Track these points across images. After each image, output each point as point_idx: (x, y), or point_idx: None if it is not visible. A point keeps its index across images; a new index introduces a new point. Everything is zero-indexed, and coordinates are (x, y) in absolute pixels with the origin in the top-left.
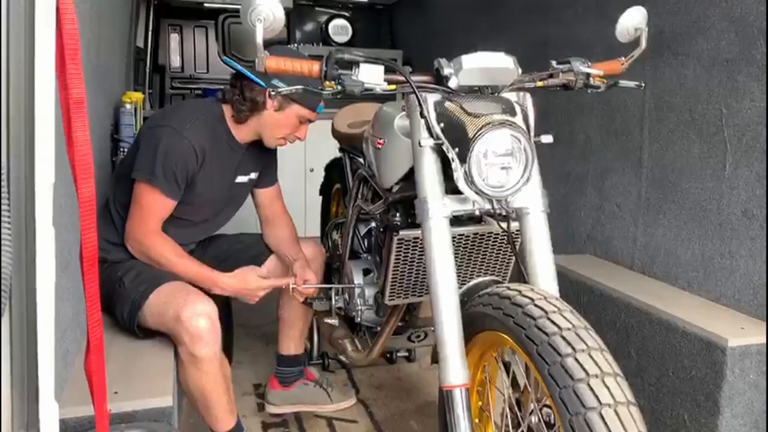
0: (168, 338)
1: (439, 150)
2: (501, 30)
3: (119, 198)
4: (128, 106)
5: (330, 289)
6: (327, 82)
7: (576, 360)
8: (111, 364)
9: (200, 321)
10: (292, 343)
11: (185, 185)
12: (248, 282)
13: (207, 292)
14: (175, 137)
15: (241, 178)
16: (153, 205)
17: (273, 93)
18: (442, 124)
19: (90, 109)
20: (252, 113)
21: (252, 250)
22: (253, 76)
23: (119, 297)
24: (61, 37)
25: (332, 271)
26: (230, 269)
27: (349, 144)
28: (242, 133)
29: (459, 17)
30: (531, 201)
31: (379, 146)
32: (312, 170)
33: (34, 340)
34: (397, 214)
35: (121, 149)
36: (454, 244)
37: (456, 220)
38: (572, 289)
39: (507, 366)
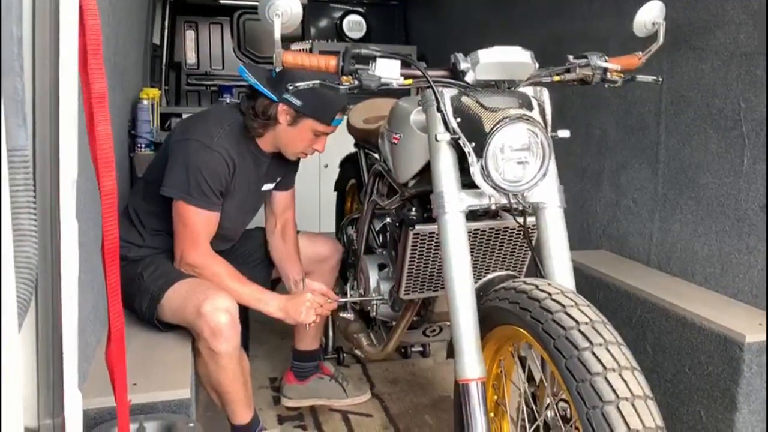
0: (186, 330)
1: (455, 144)
2: (516, 25)
3: (149, 206)
4: (145, 102)
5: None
6: (344, 77)
7: (593, 354)
8: (130, 357)
9: (221, 316)
10: (307, 339)
11: (222, 195)
12: (298, 306)
13: None
14: (204, 151)
15: (268, 185)
16: (199, 224)
17: (291, 88)
18: (458, 119)
19: (109, 106)
20: (265, 129)
21: (264, 249)
22: (264, 90)
23: (138, 291)
24: (83, 32)
25: (347, 266)
26: (241, 267)
27: (365, 139)
28: (265, 145)
29: (473, 13)
30: (548, 196)
31: (395, 141)
32: (327, 166)
33: (59, 331)
34: (413, 209)
35: (138, 145)
36: (470, 239)
37: (472, 215)
38: (588, 284)
39: (523, 360)
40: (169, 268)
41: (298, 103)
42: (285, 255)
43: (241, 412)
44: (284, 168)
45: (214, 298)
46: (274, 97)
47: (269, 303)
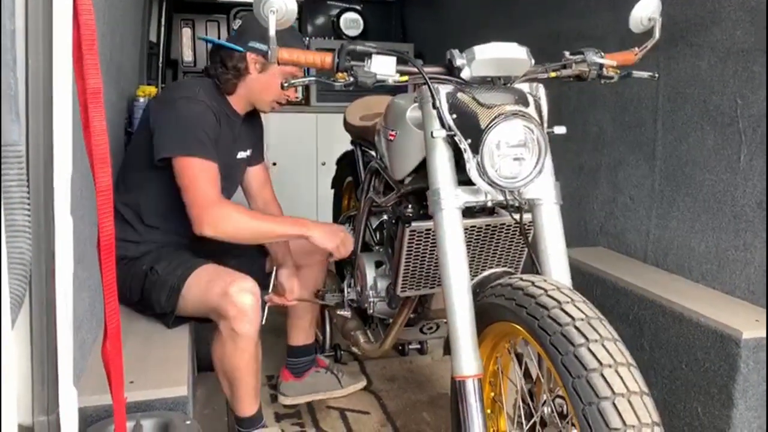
0: (184, 329)
1: (451, 141)
2: (513, 23)
3: (138, 195)
4: (142, 100)
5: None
6: (339, 74)
7: (589, 350)
8: (126, 354)
9: (247, 297)
10: (301, 334)
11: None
12: (336, 233)
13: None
14: (192, 103)
15: (241, 154)
16: (203, 174)
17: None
18: (454, 115)
19: (104, 103)
20: (238, 80)
21: (244, 255)
22: (228, 44)
23: (153, 285)
24: (78, 27)
25: (344, 263)
26: (230, 263)
27: (361, 137)
28: (237, 104)
29: (470, 10)
30: (544, 192)
31: (392, 138)
32: (324, 164)
33: (53, 327)
34: (409, 206)
35: None
36: (466, 236)
37: (468, 212)
38: (585, 281)
39: (519, 357)
40: (184, 259)
41: (264, 48)
42: None
43: (248, 402)
44: (252, 137)
45: (239, 280)
46: (241, 48)
47: (311, 231)
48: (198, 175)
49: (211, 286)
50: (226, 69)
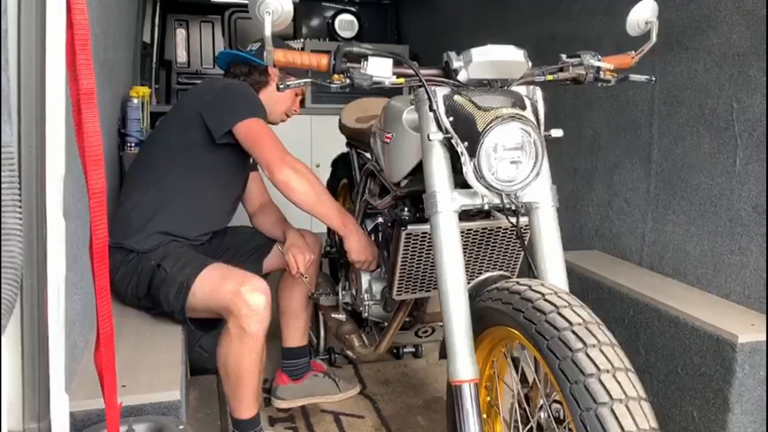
0: (176, 332)
1: (448, 144)
2: (509, 25)
3: (150, 189)
4: (135, 100)
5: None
6: (336, 76)
7: (587, 355)
8: (119, 358)
9: (259, 297)
10: (297, 335)
11: None
12: (370, 251)
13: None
14: (240, 84)
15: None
16: (270, 132)
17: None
18: (451, 118)
19: (98, 104)
20: (262, 86)
21: (253, 242)
22: (254, 58)
23: (162, 282)
24: (71, 28)
25: (339, 266)
26: (232, 260)
27: (357, 139)
28: None
29: (466, 12)
30: (541, 195)
31: (388, 140)
32: (318, 166)
33: (45, 332)
34: (406, 209)
35: (129, 144)
36: (462, 239)
37: (465, 215)
38: (580, 285)
39: (516, 361)
40: (192, 257)
41: None
42: (273, 220)
43: (249, 404)
44: None
45: (251, 280)
46: (263, 62)
47: (350, 233)
48: (268, 131)
49: (224, 283)
50: (251, 77)
